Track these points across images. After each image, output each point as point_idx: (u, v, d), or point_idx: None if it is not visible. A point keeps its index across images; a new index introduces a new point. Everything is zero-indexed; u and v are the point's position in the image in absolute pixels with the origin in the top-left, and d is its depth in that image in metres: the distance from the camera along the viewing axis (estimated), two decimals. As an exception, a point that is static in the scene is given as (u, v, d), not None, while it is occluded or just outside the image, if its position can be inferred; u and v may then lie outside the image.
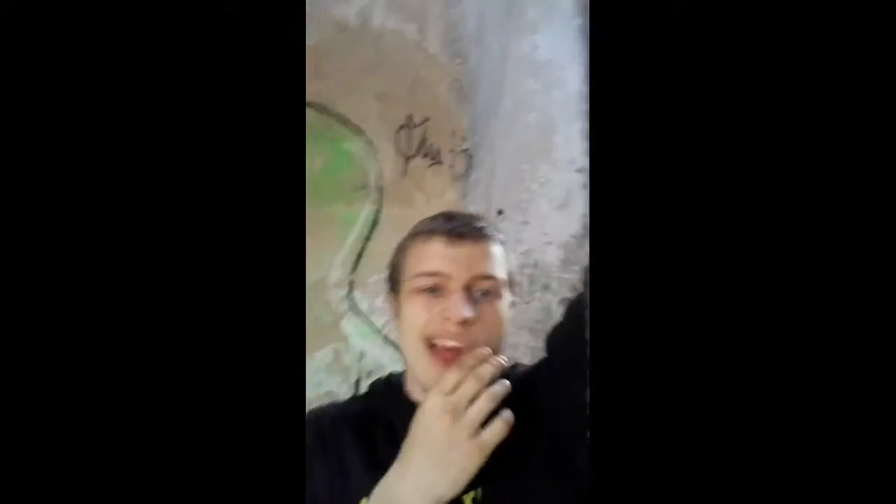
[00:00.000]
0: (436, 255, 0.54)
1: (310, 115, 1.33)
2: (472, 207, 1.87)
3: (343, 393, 1.31)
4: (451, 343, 0.52)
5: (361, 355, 1.36)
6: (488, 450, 0.46)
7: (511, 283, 0.59)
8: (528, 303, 1.71)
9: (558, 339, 0.58)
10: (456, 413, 0.46)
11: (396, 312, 0.59)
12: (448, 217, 0.58)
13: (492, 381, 0.48)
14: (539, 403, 0.55)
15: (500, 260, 0.57)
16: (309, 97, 1.32)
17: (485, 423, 0.47)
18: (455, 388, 0.47)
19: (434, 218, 0.59)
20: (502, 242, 0.59)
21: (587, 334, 0.46)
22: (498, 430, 0.46)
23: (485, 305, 0.54)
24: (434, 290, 0.54)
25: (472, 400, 0.47)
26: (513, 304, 0.58)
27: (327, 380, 1.30)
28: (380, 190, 1.43)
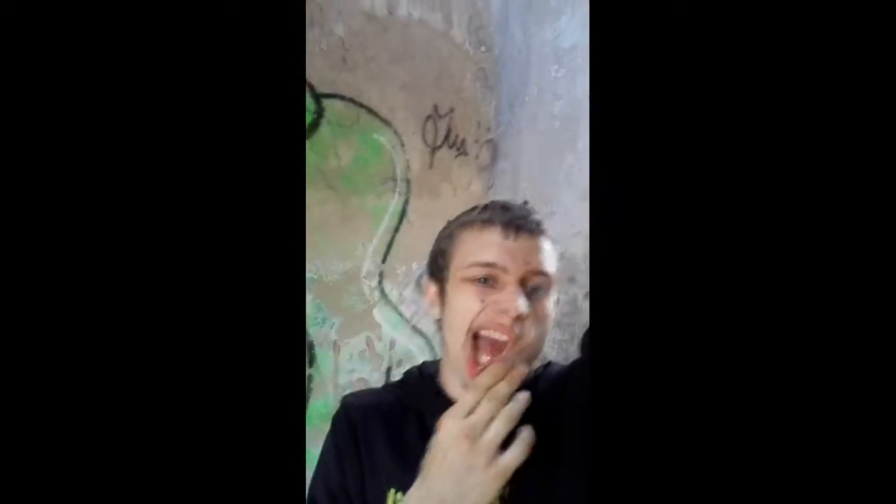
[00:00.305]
0: (492, 246, 0.53)
1: (338, 106, 1.34)
2: (497, 198, 1.87)
3: (374, 380, 1.35)
4: (499, 336, 0.52)
5: (392, 344, 1.39)
6: (508, 473, 0.45)
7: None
8: (553, 294, 1.75)
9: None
10: (473, 437, 0.45)
11: (438, 300, 0.58)
12: (504, 207, 0.57)
13: (510, 398, 0.47)
14: (571, 405, 0.55)
15: (551, 256, 0.56)
16: (338, 89, 1.33)
17: (507, 441, 0.46)
18: (472, 409, 0.46)
19: (488, 207, 0.58)
20: (552, 238, 0.58)
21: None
22: (517, 454, 0.45)
23: (535, 301, 0.53)
24: (486, 281, 0.53)
25: (491, 420, 0.46)
26: (556, 302, 0.58)
27: (360, 367, 1.34)
28: (406, 182, 1.44)
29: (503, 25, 1.81)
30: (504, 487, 0.51)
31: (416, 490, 0.48)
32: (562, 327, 1.43)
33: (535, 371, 0.60)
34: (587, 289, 1.31)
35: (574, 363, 0.61)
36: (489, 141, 1.70)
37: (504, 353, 0.51)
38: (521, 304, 0.50)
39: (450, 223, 0.60)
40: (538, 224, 0.56)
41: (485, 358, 0.52)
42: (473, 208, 0.59)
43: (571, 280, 1.42)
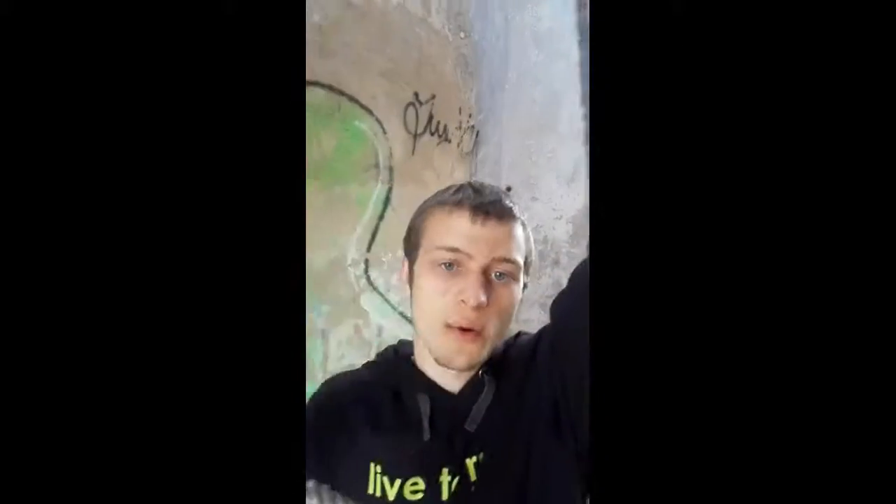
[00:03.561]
0: (459, 231, 0.53)
1: (319, 94, 1.32)
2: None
3: (364, 367, 1.37)
4: (466, 325, 0.53)
5: (380, 330, 1.41)
6: None
7: (528, 265, 0.58)
8: (538, 279, 1.75)
9: (562, 307, 0.58)
10: None
11: (410, 279, 0.59)
12: (476, 189, 0.56)
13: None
14: (542, 370, 0.56)
15: (521, 242, 0.56)
16: (317, 76, 1.32)
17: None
18: None
19: (462, 188, 0.57)
20: (524, 224, 0.57)
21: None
22: None
23: (500, 288, 0.54)
24: (451, 266, 0.53)
25: None
26: (525, 287, 0.59)
27: (349, 353, 1.35)
28: (389, 169, 1.44)
29: (482, 10, 1.80)
30: (478, 454, 0.54)
31: None
32: (546, 309, 1.46)
33: (506, 341, 0.61)
34: (570, 270, 1.34)
35: (543, 329, 0.62)
36: (471, 127, 1.70)
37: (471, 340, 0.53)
38: (481, 295, 0.51)
39: (426, 201, 0.60)
40: (509, 210, 0.55)
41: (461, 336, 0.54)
42: (449, 188, 0.59)
43: (555, 263, 1.45)
